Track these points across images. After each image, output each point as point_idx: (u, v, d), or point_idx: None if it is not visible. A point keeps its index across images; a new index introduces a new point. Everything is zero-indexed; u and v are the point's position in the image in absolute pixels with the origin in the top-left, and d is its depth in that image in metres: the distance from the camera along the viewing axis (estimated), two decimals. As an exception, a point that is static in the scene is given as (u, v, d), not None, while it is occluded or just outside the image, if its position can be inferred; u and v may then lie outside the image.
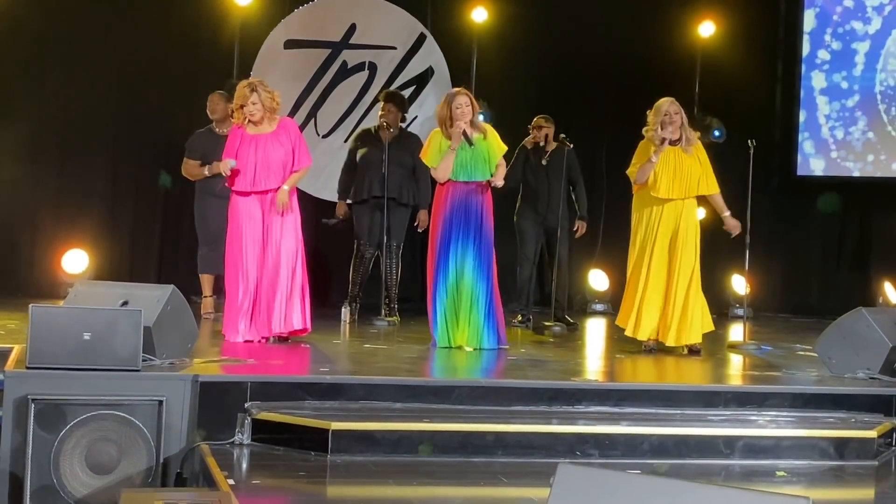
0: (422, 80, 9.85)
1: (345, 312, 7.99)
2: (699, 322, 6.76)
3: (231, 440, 4.80)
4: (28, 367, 4.71)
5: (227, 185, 6.57)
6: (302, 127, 8.82)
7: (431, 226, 6.73)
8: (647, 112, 6.85)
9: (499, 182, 6.70)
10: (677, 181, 6.75)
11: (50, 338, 4.72)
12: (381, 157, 8.02)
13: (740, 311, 8.69)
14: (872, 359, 5.96)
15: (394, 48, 9.81)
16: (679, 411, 5.29)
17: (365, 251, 8.23)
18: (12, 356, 5.21)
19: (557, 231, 8.12)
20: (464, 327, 6.53)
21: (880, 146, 10.00)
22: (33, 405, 4.50)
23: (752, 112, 10.08)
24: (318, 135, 9.61)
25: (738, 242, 7.49)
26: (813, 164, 10.26)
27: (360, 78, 9.76)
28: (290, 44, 9.62)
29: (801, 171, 10.28)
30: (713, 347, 7.04)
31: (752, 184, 7.26)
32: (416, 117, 9.62)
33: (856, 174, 10.13)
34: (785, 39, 10.46)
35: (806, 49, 10.21)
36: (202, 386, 4.86)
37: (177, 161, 8.20)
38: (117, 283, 5.93)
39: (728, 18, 10.12)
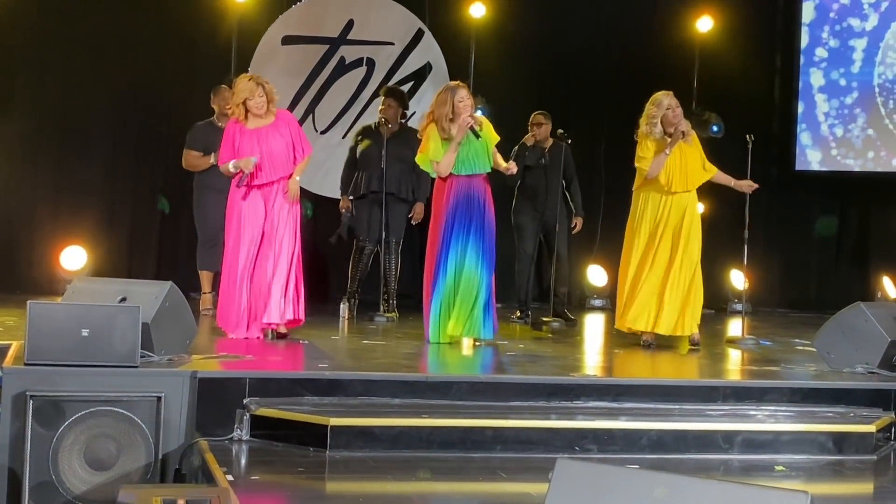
0: (420, 76, 9.84)
1: (343, 308, 7.99)
2: (698, 313, 6.79)
3: (230, 436, 4.80)
4: (26, 364, 4.70)
5: (237, 181, 6.48)
6: (300, 123, 8.80)
7: (433, 220, 6.70)
8: (647, 105, 6.85)
9: (513, 169, 6.75)
10: (685, 174, 6.78)
11: (48, 334, 4.71)
12: (380, 152, 8.01)
13: (739, 306, 8.70)
14: (871, 353, 5.97)
15: (392, 44, 9.80)
16: (678, 406, 5.29)
17: (364, 247, 8.23)
18: (10, 353, 5.21)
19: (556, 226, 8.12)
20: (463, 318, 6.52)
21: (880, 142, 9.99)
22: (32, 402, 4.49)
23: (751, 107, 10.07)
24: (317, 131, 9.61)
25: (736, 237, 7.49)
26: (812, 159, 10.26)
27: (358, 74, 9.76)
28: (288, 39, 9.61)
29: (799, 166, 10.28)
30: (712, 342, 7.04)
31: (750, 178, 7.25)
32: (414, 113, 9.61)
33: (855, 169, 10.13)
34: (783, 30, 10.46)
35: (805, 41, 10.21)
36: (201, 382, 4.85)
37: (175, 157, 8.20)
38: (115, 280, 5.91)
39: (726, 13, 10.11)
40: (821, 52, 10.18)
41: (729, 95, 9.97)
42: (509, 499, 4.33)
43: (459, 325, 6.52)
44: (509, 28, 9.74)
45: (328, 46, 9.70)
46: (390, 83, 9.47)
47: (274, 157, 6.39)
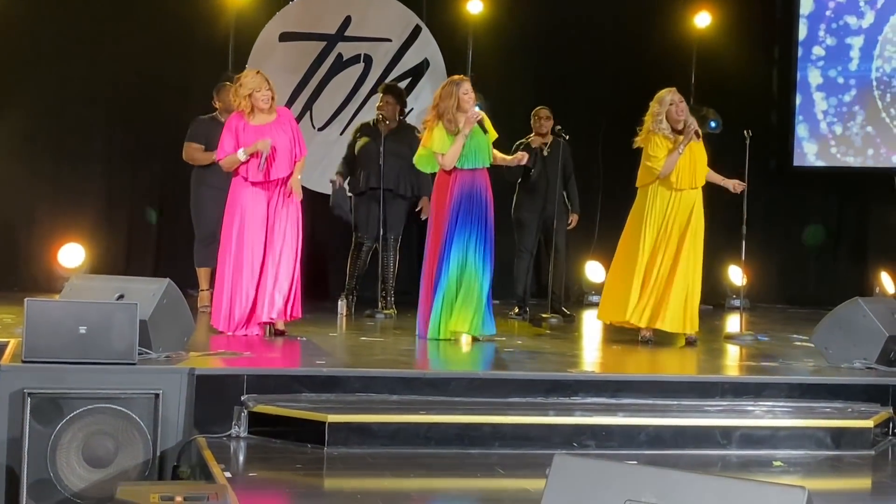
0: (417, 73, 9.83)
1: (341, 305, 7.99)
2: (697, 312, 6.80)
3: (228, 433, 4.80)
4: (24, 362, 4.70)
5: (243, 173, 6.43)
6: (298, 120, 8.79)
7: (434, 214, 6.68)
8: (651, 104, 6.87)
9: (524, 159, 6.83)
10: (693, 171, 6.81)
11: (46, 332, 4.71)
12: (378, 149, 8.01)
13: (737, 302, 8.71)
14: (869, 348, 5.97)
15: (389, 40, 9.79)
16: (676, 402, 5.29)
17: (362, 243, 8.23)
18: (8, 350, 5.20)
19: (554, 223, 8.13)
20: (466, 315, 6.53)
21: (880, 139, 9.99)
22: (29, 399, 4.49)
23: (749, 103, 10.06)
24: (314, 127, 9.60)
25: (734, 233, 7.49)
26: (810, 155, 10.26)
27: (356, 70, 9.75)
28: (286, 36, 9.60)
29: (797, 162, 10.27)
30: (710, 338, 7.04)
31: (748, 174, 7.25)
32: (411, 109, 9.60)
33: (853, 165, 10.13)
34: (782, 21, 10.45)
35: (803, 33, 10.21)
36: (198, 379, 4.85)
37: (173, 154, 8.19)
38: (113, 277, 5.91)
39: (724, 8, 10.11)
40: (818, 51, 10.18)
41: (727, 91, 9.96)
42: (507, 495, 4.33)
43: (464, 322, 6.52)
44: (507, 24, 9.74)
45: (325, 43, 9.69)
46: (388, 80, 9.47)
47: (280, 153, 6.38)
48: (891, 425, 5.37)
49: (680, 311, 6.73)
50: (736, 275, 9.48)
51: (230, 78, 8.20)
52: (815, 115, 10.20)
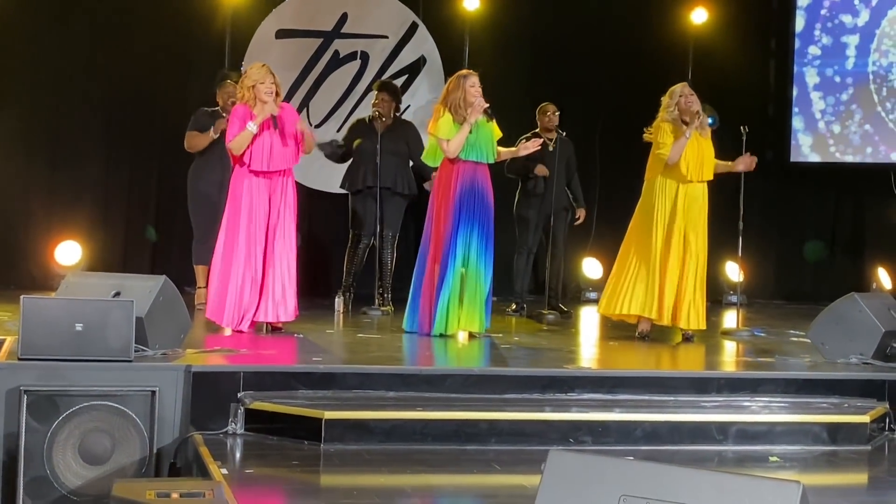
0: (414, 70, 9.83)
1: (338, 302, 7.98)
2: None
3: (224, 430, 4.80)
4: (20, 359, 4.70)
5: (242, 164, 6.41)
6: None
7: (435, 207, 6.67)
8: (662, 98, 6.94)
9: (536, 145, 6.89)
10: (701, 163, 6.83)
11: (42, 329, 4.71)
12: (375, 146, 8.01)
13: (734, 298, 8.71)
14: (865, 344, 5.98)
15: (385, 37, 9.78)
16: (672, 398, 5.30)
17: (360, 240, 8.22)
18: (4, 348, 5.20)
19: (552, 219, 8.14)
20: (473, 313, 6.55)
21: (878, 138, 9.98)
22: (26, 397, 4.49)
23: (746, 98, 10.06)
24: (311, 125, 9.58)
25: (731, 229, 7.49)
26: (806, 149, 10.26)
27: (353, 67, 9.74)
28: (282, 33, 9.59)
29: (794, 157, 10.27)
30: (706, 334, 7.05)
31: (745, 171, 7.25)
32: (408, 106, 9.60)
33: (850, 161, 10.13)
34: (778, 12, 10.44)
35: (800, 25, 10.20)
36: (195, 376, 4.85)
37: (170, 151, 8.19)
38: (109, 274, 5.91)
39: (720, 4, 10.10)
40: (814, 50, 10.18)
41: (723, 87, 9.95)
42: (504, 491, 4.33)
43: (472, 321, 6.55)
44: (503, 21, 9.73)
45: (322, 40, 9.68)
46: (384, 77, 9.46)
47: (279, 146, 6.38)
48: (887, 420, 5.38)
49: (697, 308, 6.79)
50: (733, 271, 9.48)
51: (228, 75, 8.21)
52: (813, 115, 10.19)
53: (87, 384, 4.61)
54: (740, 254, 7.59)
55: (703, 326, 6.86)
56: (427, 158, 6.89)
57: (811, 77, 10.19)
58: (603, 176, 9.79)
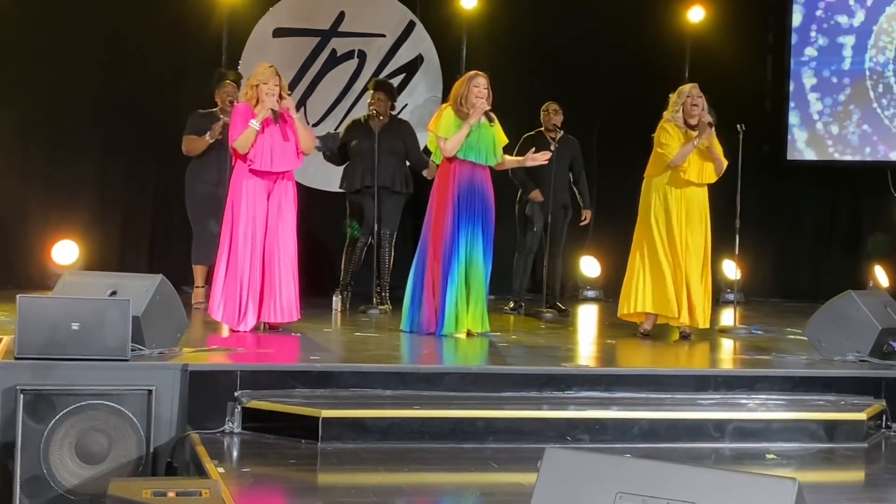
0: (411, 68, 9.83)
1: (336, 301, 7.98)
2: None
3: (221, 429, 4.80)
4: (17, 358, 4.69)
5: (245, 161, 6.41)
6: (292, 116, 8.80)
7: (434, 206, 6.66)
8: (670, 95, 6.95)
9: (541, 159, 6.80)
10: (701, 167, 6.82)
11: (38, 328, 4.70)
12: (372, 146, 8.00)
13: (731, 296, 8.70)
14: (862, 341, 5.98)
15: (383, 36, 9.78)
16: (669, 395, 5.30)
17: (357, 239, 8.22)
18: (1, 347, 5.19)
19: (551, 218, 8.15)
20: (477, 313, 6.58)
21: (877, 137, 9.98)
22: (22, 396, 4.48)
23: (743, 96, 10.06)
24: (308, 123, 9.57)
25: (728, 227, 7.50)
26: (803, 147, 10.26)
27: (350, 66, 9.74)
28: (279, 32, 9.59)
29: (791, 156, 10.27)
30: (704, 332, 7.05)
31: (742, 168, 7.26)
32: (406, 105, 9.60)
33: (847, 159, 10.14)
34: (776, 6, 10.44)
35: (797, 19, 10.20)
36: (192, 375, 4.85)
37: (167, 150, 8.18)
38: (106, 273, 5.91)
39: (717, 2, 10.10)
40: (810, 52, 10.18)
41: (720, 86, 9.92)
42: (501, 489, 4.33)
43: (476, 321, 6.57)
44: (501, 20, 9.73)
45: (319, 39, 9.68)
46: (382, 75, 9.46)
47: (285, 147, 6.39)
48: (884, 418, 5.38)
49: (708, 307, 6.85)
50: (730, 269, 9.48)
51: (225, 75, 8.21)
52: (811, 116, 10.19)
53: (83, 383, 4.60)
54: (737, 252, 7.59)
55: (708, 325, 6.90)
56: (435, 157, 6.87)
57: (808, 78, 10.19)
58: (601, 174, 9.78)
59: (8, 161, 8.84)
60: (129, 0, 9.08)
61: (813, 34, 10.16)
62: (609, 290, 9.98)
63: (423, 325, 6.61)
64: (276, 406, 4.81)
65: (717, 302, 9.51)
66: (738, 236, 7.44)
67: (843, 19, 10.08)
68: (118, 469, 4.51)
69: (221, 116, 7.78)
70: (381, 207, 8.03)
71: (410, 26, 9.81)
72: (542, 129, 8.43)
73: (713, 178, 6.92)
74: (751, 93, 10.33)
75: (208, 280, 7.79)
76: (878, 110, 9.96)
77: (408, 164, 8.28)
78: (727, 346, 6.92)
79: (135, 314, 4.93)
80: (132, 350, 4.86)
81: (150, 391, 4.62)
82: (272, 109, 6.30)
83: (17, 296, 4.79)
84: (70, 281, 5.49)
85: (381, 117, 8.17)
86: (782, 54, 10.31)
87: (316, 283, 8.90)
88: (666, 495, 2.62)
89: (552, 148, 8.21)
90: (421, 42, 9.83)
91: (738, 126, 7.32)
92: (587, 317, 8.86)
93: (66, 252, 8.77)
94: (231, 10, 9.20)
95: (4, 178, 8.84)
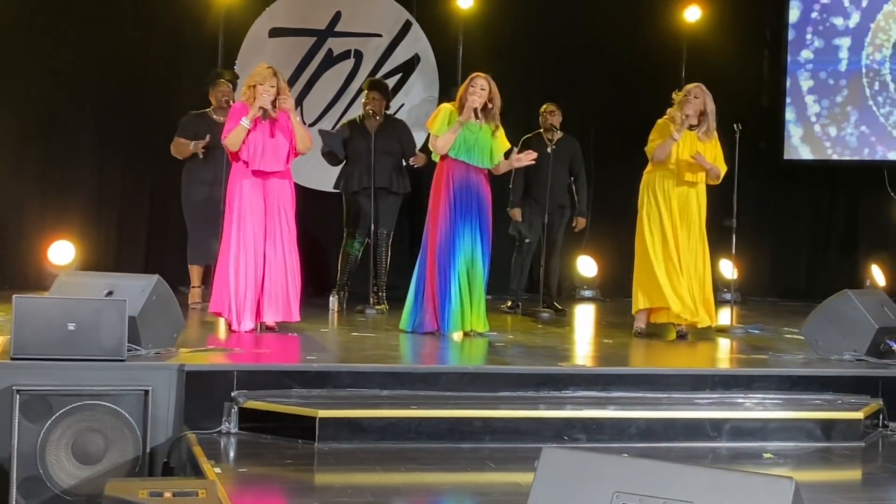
0: (408, 68, 9.82)
1: (333, 301, 7.97)
2: None
3: (218, 429, 4.80)
4: (13, 359, 4.68)
5: (237, 160, 6.42)
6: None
7: (432, 206, 6.68)
8: (674, 92, 6.96)
9: (526, 160, 6.77)
10: (693, 164, 6.78)
11: (34, 328, 4.69)
12: (368, 146, 8.00)
13: (728, 296, 8.70)
14: (859, 340, 5.98)
15: (379, 35, 9.78)
16: (666, 395, 5.30)
17: (354, 240, 8.21)
18: (-3, 347, 5.19)
19: (548, 217, 8.16)
20: (479, 313, 6.58)
21: (875, 139, 9.99)
22: (18, 396, 4.47)
23: (740, 95, 10.06)
24: (305, 123, 9.55)
25: (724, 226, 7.50)
26: (801, 148, 10.26)
27: (346, 66, 9.73)
28: (275, 32, 9.58)
29: (788, 155, 10.28)
30: (700, 331, 7.05)
31: (738, 168, 7.26)
32: (402, 105, 9.60)
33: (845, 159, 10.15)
34: (773, 3, 10.46)
35: (794, 15, 10.20)
36: (188, 375, 4.84)
37: (163, 150, 8.17)
38: (102, 273, 5.90)
39: (713, 1, 10.10)
40: (806, 54, 10.19)
41: (717, 85, 9.91)
42: (498, 489, 4.33)
43: (478, 321, 6.57)
44: (497, 19, 9.73)
45: (315, 39, 9.67)
46: (378, 75, 9.45)
47: (277, 148, 6.39)
48: (881, 417, 5.38)
49: (710, 305, 6.86)
50: (727, 268, 9.49)
51: (221, 74, 8.21)
52: (808, 118, 10.20)
53: (79, 384, 4.59)
54: (734, 251, 7.59)
55: (714, 322, 6.94)
56: (433, 154, 6.86)
57: (805, 81, 10.20)
58: (597, 175, 9.78)
59: (4, 161, 8.83)
60: (124, 1, 9.07)
61: (809, 36, 10.17)
62: (606, 290, 9.99)
63: (425, 324, 6.61)
64: (272, 406, 4.81)
65: (714, 301, 9.53)
66: (734, 236, 7.44)
67: (838, 21, 10.08)
68: (115, 469, 4.50)
69: (214, 117, 7.78)
70: (378, 207, 8.02)
71: (407, 26, 9.80)
72: (541, 130, 8.43)
73: (712, 181, 6.91)
74: (748, 92, 10.33)
75: (205, 280, 7.80)
76: (874, 108, 9.97)
77: (404, 163, 8.28)
78: (724, 345, 6.92)
79: (131, 314, 4.92)
80: (129, 350, 4.85)
81: (146, 391, 4.61)
82: (262, 108, 6.31)
83: (14, 296, 4.78)
84: (66, 281, 5.48)
85: (377, 117, 8.17)
86: (779, 51, 10.32)
87: (312, 283, 8.90)
88: (663, 495, 2.62)
89: (549, 149, 8.22)
90: (417, 42, 9.83)
91: (734, 125, 7.33)
92: (584, 316, 8.86)
93: (62, 252, 8.76)
94: (227, 10, 9.20)
95: (0, 179, 8.83)
